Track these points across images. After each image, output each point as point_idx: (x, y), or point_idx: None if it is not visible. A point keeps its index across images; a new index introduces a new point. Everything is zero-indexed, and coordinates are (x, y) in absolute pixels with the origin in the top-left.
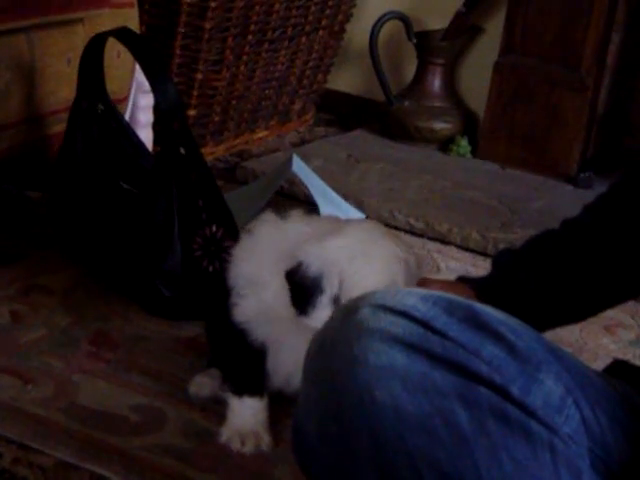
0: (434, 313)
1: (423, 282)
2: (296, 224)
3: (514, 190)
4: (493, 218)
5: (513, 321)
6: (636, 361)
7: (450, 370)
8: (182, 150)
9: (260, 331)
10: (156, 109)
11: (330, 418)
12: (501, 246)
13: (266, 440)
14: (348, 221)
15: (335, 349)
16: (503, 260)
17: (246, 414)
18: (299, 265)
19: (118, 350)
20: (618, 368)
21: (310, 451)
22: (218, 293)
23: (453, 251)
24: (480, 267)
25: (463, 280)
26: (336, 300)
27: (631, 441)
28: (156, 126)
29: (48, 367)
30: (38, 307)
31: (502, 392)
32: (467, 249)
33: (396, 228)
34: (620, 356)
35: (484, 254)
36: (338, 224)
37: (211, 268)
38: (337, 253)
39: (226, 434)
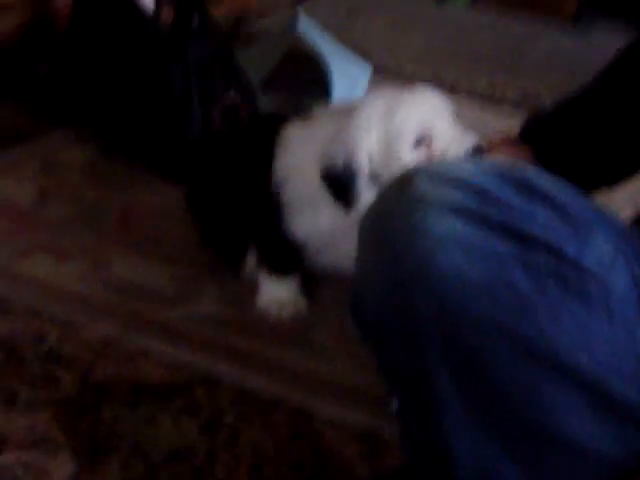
0: (489, 181)
1: (500, 147)
2: (323, 126)
3: (515, 36)
4: (498, 64)
5: (562, 185)
6: None
7: (508, 235)
8: (195, 17)
9: (317, 241)
10: None
11: (392, 287)
12: (509, 91)
13: (302, 304)
14: (362, 100)
15: (393, 220)
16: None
17: (280, 286)
18: (328, 162)
19: (147, 222)
20: None
21: (371, 319)
22: (267, 207)
23: (462, 98)
24: (488, 112)
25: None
26: (374, 176)
27: None
28: None
29: (81, 242)
30: (63, 183)
31: (558, 254)
32: (475, 95)
33: (404, 78)
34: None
35: (492, 99)
36: (353, 107)
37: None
38: (355, 132)
39: (263, 301)
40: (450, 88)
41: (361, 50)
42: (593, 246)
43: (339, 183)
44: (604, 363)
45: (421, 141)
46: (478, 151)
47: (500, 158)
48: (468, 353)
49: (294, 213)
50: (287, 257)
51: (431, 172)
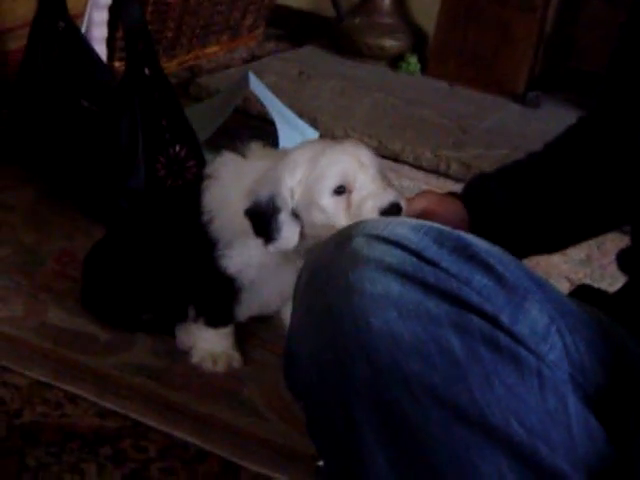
0: (426, 243)
1: (424, 194)
2: (253, 162)
3: (463, 108)
4: (444, 136)
5: (499, 251)
6: (587, 280)
7: (443, 299)
8: (146, 70)
9: (248, 276)
10: (122, 28)
11: (326, 345)
12: (453, 165)
13: (237, 359)
14: (294, 146)
15: (330, 278)
16: (478, 184)
17: (216, 338)
18: (254, 199)
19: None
20: (583, 292)
21: (303, 377)
22: (198, 241)
23: (406, 169)
24: (433, 185)
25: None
26: (295, 213)
27: (605, 365)
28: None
29: (16, 286)
30: (1, 224)
31: (492, 320)
32: (420, 167)
33: None
34: (571, 275)
35: (436, 172)
36: (284, 151)
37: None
38: (282, 171)
39: (198, 355)
40: (395, 158)
41: (309, 116)
42: (527, 315)
43: (261, 218)
44: (534, 430)
45: (341, 189)
46: (396, 207)
47: (426, 203)
48: (398, 413)
49: (225, 246)
50: (223, 300)
51: (369, 231)
